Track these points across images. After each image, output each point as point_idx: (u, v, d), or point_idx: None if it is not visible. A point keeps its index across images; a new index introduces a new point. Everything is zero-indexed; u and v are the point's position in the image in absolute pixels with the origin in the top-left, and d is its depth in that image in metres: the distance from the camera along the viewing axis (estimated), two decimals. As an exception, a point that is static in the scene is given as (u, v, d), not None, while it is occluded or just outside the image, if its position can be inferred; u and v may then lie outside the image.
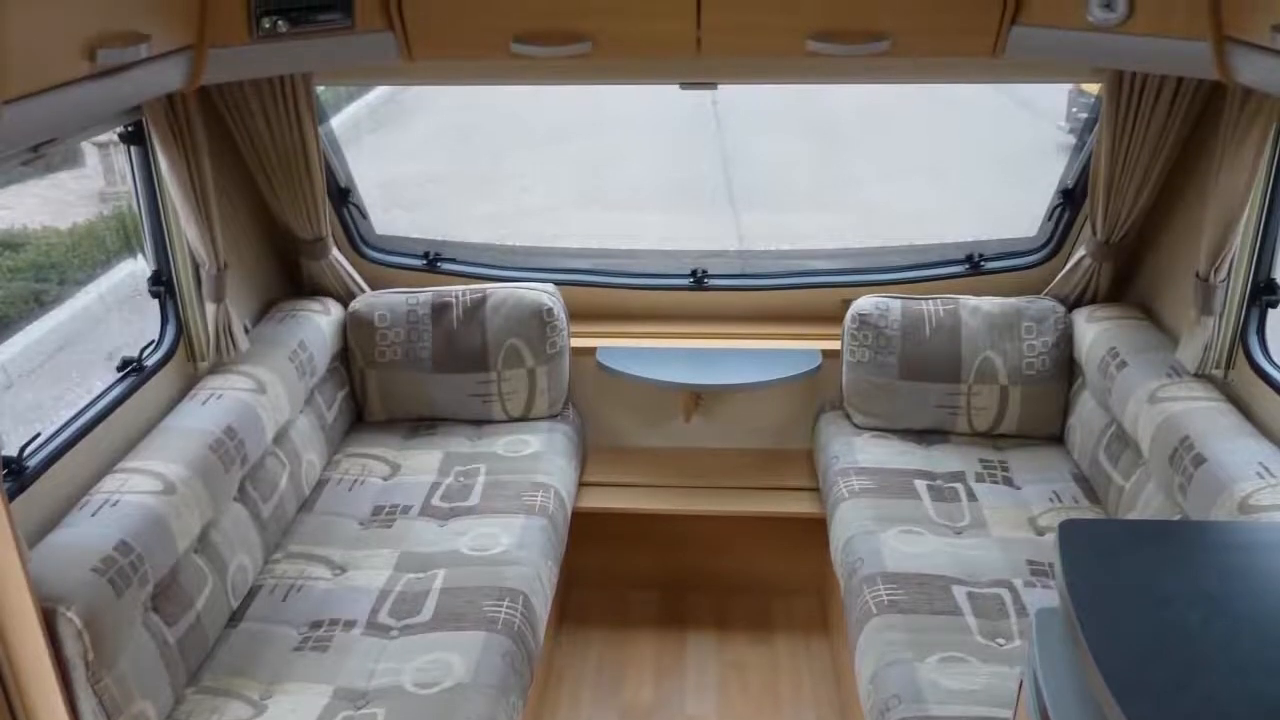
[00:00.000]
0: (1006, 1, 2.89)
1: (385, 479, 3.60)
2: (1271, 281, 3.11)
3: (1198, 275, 3.13)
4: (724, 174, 10.49)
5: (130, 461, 2.84)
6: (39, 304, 5.65)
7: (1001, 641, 2.80)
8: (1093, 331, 3.56)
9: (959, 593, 2.97)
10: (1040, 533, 3.25)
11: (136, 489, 2.69)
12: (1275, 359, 3.06)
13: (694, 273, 4.13)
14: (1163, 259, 3.62)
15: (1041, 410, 3.70)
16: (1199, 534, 2.11)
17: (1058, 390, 3.69)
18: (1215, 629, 1.80)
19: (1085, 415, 3.56)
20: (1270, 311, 3.15)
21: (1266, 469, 2.69)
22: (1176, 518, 2.89)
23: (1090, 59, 3.08)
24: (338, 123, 4.39)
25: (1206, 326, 3.12)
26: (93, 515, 2.59)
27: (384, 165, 9.61)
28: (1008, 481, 3.51)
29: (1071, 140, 4.35)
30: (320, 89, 3.76)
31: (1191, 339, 3.17)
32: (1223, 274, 3.08)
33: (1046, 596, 2.92)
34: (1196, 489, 2.78)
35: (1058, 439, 3.73)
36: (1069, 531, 2.06)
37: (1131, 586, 1.91)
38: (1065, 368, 3.69)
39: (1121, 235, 3.58)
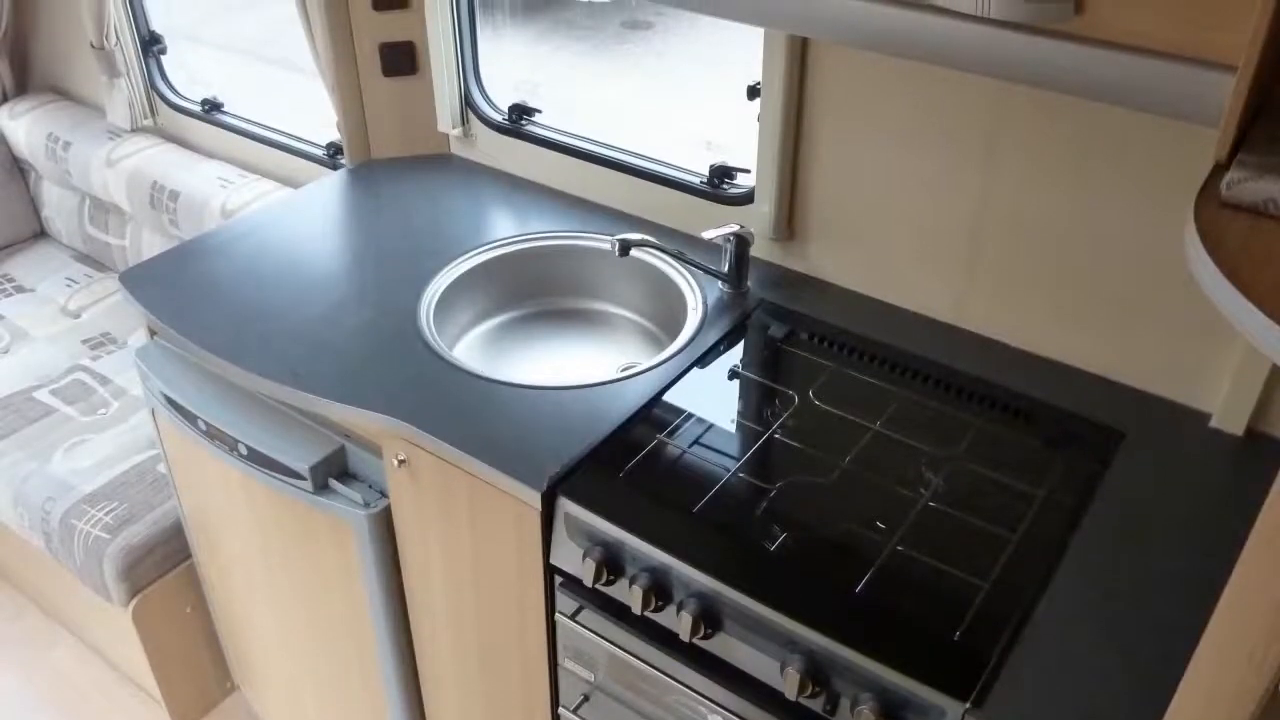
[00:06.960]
0: None
1: None
2: (153, 33, 3.53)
3: (93, 45, 3.44)
4: None
5: None
6: None
7: (104, 411, 3.12)
8: (23, 128, 3.74)
9: (42, 394, 3.18)
10: (77, 315, 3.54)
11: None
12: (184, 93, 3.58)
13: None
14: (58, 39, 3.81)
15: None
16: (210, 241, 2.58)
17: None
18: (270, 290, 2.35)
19: (57, 204, 3.81)
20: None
21: (226, 180, 3.28)
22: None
23: None
24: None
25: (124, 87, 3.51)
26: None
27: None
28: (20, 290, 3.67)
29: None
30: None
31: (115, 101, 3.54)
32: (114, 39, 3.44)
33: (121, 357, 3.30)
34: (183, 217, 3.29)
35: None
36: (130, 279, 2.41)
37: (197, 296, 2.36)
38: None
39: None
